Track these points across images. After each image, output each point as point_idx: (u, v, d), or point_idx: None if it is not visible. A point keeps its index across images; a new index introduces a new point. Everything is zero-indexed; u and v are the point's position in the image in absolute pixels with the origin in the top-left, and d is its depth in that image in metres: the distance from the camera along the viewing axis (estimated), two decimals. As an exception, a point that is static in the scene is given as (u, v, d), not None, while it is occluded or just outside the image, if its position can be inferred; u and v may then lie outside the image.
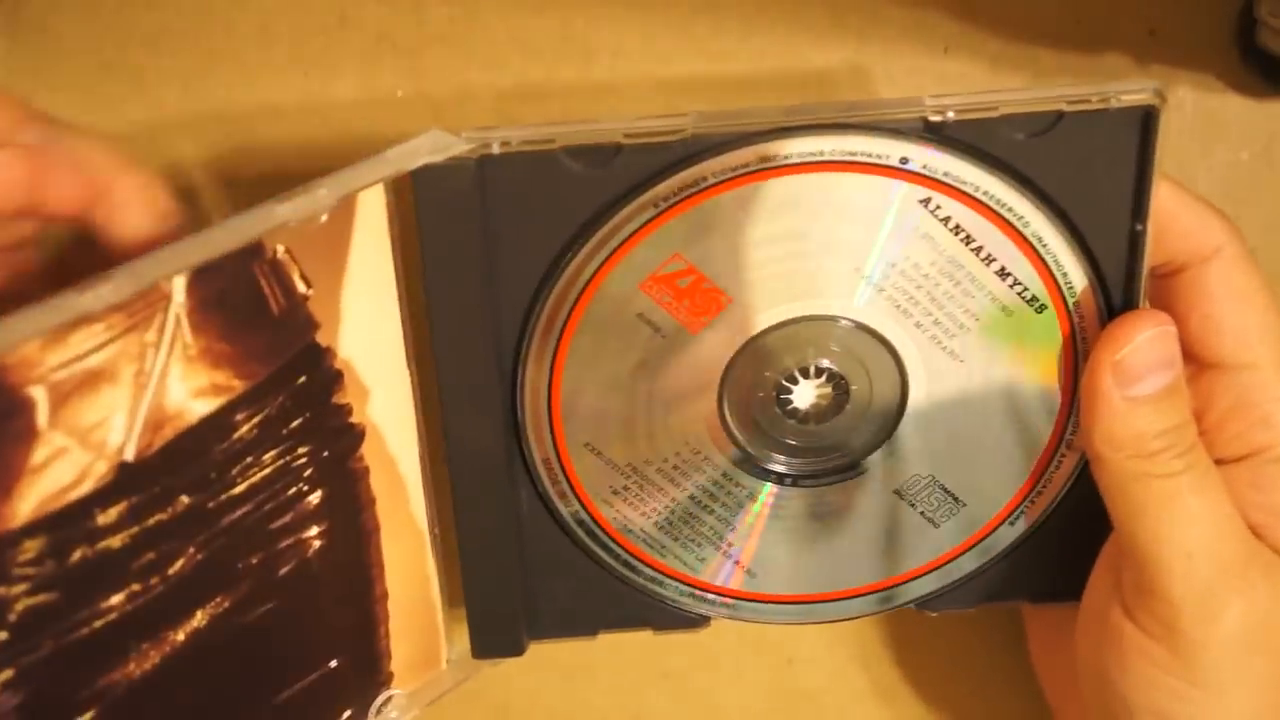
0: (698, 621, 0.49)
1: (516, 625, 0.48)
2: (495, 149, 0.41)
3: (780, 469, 0.47)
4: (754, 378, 0.45)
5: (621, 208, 0.42)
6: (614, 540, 0.48)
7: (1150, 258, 0.43)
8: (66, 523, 0.38)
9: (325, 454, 0.43)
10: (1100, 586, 0.45)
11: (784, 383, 0.45)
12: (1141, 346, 0.42)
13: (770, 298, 0.44)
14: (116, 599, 0.40)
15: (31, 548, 0.37)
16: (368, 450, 0.44)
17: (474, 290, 0.43)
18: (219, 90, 0.46)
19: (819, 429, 0.46)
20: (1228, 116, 0.49)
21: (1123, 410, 0.42)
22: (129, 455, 0.38)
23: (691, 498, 0.47)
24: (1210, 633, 0.42)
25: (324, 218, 0.40)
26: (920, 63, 0.49)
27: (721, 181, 0.41)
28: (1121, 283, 0.43)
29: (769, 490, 0.47)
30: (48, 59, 0.44)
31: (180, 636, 0.42)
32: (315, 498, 0.43)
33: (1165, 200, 0.42)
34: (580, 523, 0.47)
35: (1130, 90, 0.41)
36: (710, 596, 0.49)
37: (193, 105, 0.45)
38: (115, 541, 0.39)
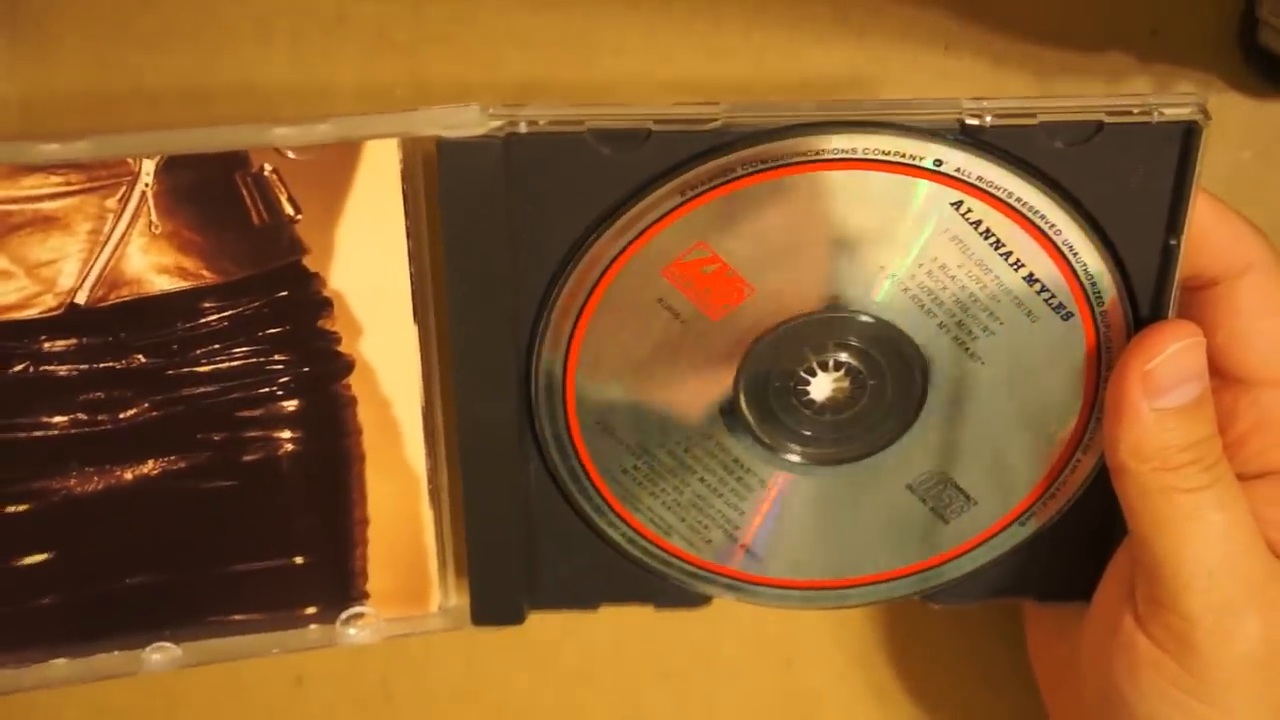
0: (699, 600, 0.47)
1: (517, 594, 0.47)
2: (522, 128, 0.39)
3: (792, 458, 0.45)
4: (771, 367, 0.43)
5: (648, 194, 0.40)
6: (620, 518, 0.46)
7: (1182, 272, 0.40)
8: (8, 335, 0.41)
9: (306, 369, 0.43)
10: (1111, 594, 0.43)
11: (802, 374, 0.43)
12: (1172, 358, 0.40)
13: (793, 290, 0.42)
14: (59, 419, 0.42)
15: (-30, 346, 0.41)
16: (356, 382, 0.44)
17: (493, 266, 0.41)
18: (218, 89, 0.45)
19: (834, 420, 0.44)
20: (1229, 116, 0.46)
21: (1150, 422, 0.40)
22: (80, 300, 0.41)
23: (701, 480, 0.45)
24: (1225, 651, 0.40)
25: (319, 152, 0.40)
26: (921, 61, 0.46)
27: (751, 173, 0.40)
28: (1151, 295, 0.41)
29: (779, 478, 0.45)
30: (47, 58, 0.44)
31: (128, 476, 0.44)
32: (291, 405, 0.44)
33: (1200, 214, 0.40)
34: (588, 499, 0.45)
35: (1173, 104, 0.39)
36: (714, 577, 0.47)
37: (192, 104, 0.45)
38: (61, 369, 0.42)
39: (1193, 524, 0.40)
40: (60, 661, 0.46)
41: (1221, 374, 0.41)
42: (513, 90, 0.45)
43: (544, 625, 0.51)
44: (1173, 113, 0.39)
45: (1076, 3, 0.46)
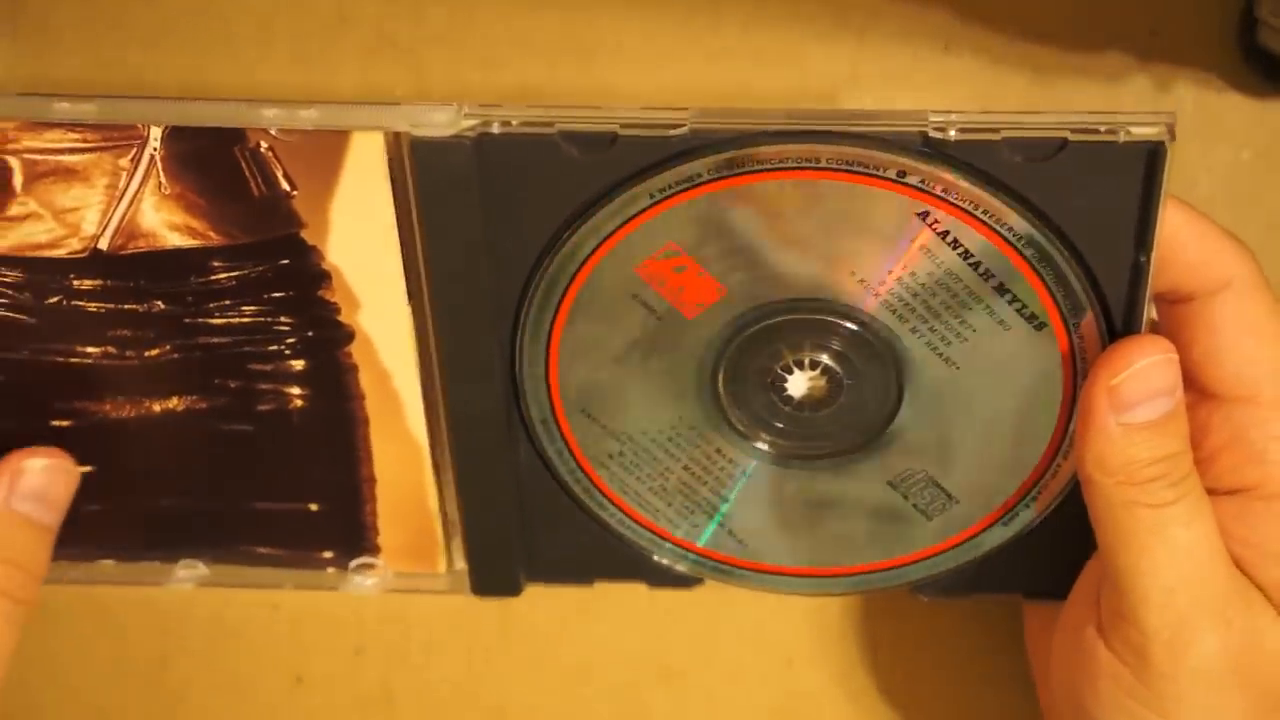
0: (690, 581, 0.48)
1: (514, 568, 0.49)
2: (495, 128, 0.41)
3: (774, 451, 0.45)
4: (749, 364, 0.44)
5: (615, 196, 0.41)
6: (609, 500, 0.47)
7: (1153, 287, 0.40)
8: (42, 270, 0.45)
9: (310, 334, 0.46)
10: (1079, 601, 0.43)
11: (779, 371, 0.43)
12: (1140, 373, 0.39)
13: (765, 292, 0.42)
14: (92, 350, 0.47)
15: (9, 275, 0.45)
16: (357, 351, 0.46)
17: (473, 259, 0.43)
18: (218, 89, 0.46)
19: (812, 416, 0.44)
20: (1228, 116, 0.46)
21: (1116, 435, 0.39)
22: (103, 245, 0.45)
23: (685, 468, 0.46)
24: (1180, 665, 0.40)
25: (308, 135, 0.42)
26: (920, 60, 0.45)
27: (717, 179, 0.40)
28: (1123, 308, 0.40)
29: (763, 470, 0.45)
30: (48, 58, 0.45)
31: (156, 408, 0.48)
32: (298, 364, 0.46)
33: (1176, 229, 0.39)
34: (577, 481, 0.47)
35: (1140, 122, 0.38)
36: (703, 560, 0.48)
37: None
38: (90, 306, 0.46)
39: (1154, 539, 0.39)
40: (108, 563, 0.50)
41: (1197, 389, 0.41)
42: (513, 90, 0.46)
43: (543, 624, 0.53)
44: (1140, 132, 0.37)
45: (1076, 3, 0.45)
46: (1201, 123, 0.45)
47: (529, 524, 0.48)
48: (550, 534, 0.48)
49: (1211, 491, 0.40)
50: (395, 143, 0.42)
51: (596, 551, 0.48)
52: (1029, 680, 0.49)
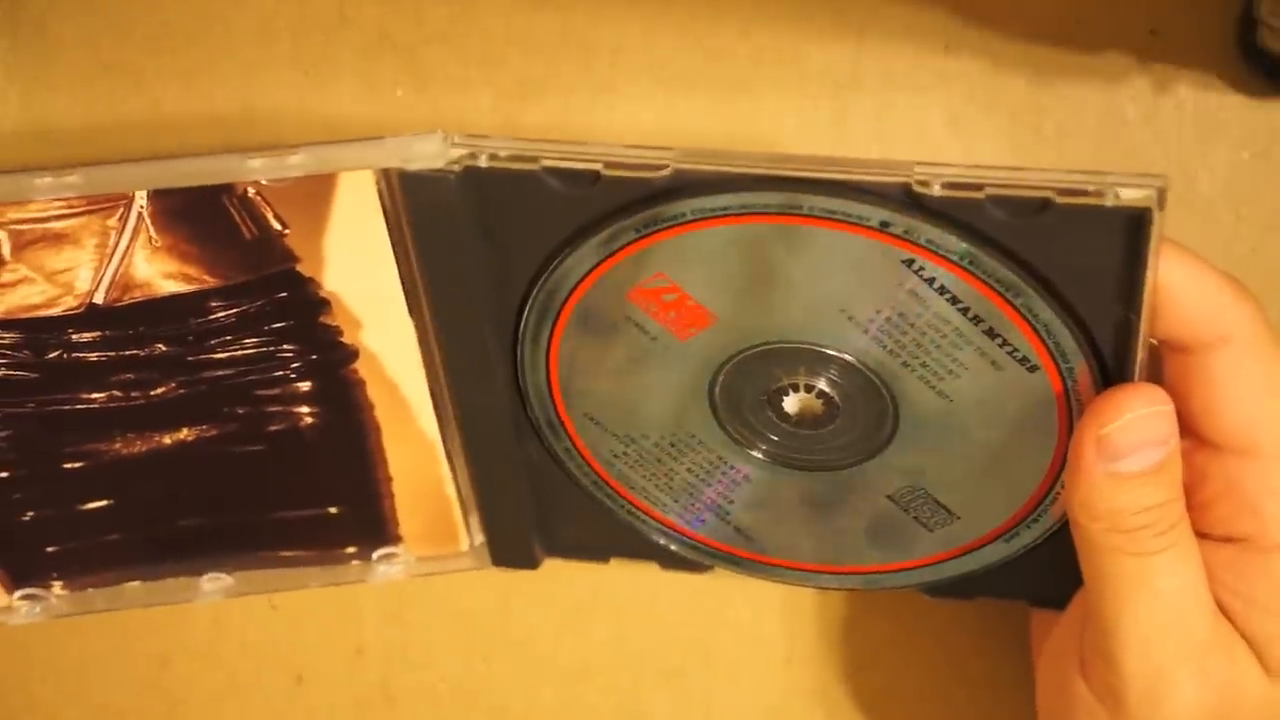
0: (702, 566, 0.49)
1: (530, 542, 0.50)
2: (483, 161, 0.40)
3: (772, 459, 0.45)
4: (744, 384, 0.43)
5: (599, 231, 0.40)
6: (618, 494, 0.48)
7: (1145, 340, 0.38)
8: (41, 328, 0.44)
9: (314, 357, 0.46)
10: (1066, 631, 0.43)
11: (773, 391, 0.43)
12: (1130, 424, 0.38)
13: (755, 323, 0.41)
14: (97, 396, 0.46)
15: (8, 337, 0.45)
16: (363, 367, 0.46)
17: (469, 281, 0.43)
18: (219, 89, 0.45)
19: (810, 433, 0.44)
20: (1228, 116, 0.45)
21: (1103, 484, 0.38)
22: (98, 300, 0.44)
23: (689, 470, 0.46)
24: (1156, 713, 0.39)
25: (296, 179, 0.42)
26: (920, 61, 0.45)
27: (701, 219, 0.39)
28: (1115, 357, 0.39)
29: (762, 475, 0.46)
30: (48, 59, 0.44)
31: (167, 440, 0.48)
32: (305, 385, 0.46)
33: (1173, 285, 0.37)
34: (585, 475, 0.47)
35: (1129, 185, 0.35)
36: (713, 551, 0.48)
37: (192, 104, 0.45)
38: (91, 356, 0.45)
39: (1137, 588, 0.38)
40: (134, 584, 0.51)
41: (1196, 436, 0.40)
42: (513, 90, 0.45)
43: (543, 624, 0.54)
44: (1129, 195, 0.35)
45: (1076, 3, 0.44)
46: (1201, 123, 0.45)
47: (543, 507, 0.49)
48: (564, 517, 0.49)
49: (1205, 537, 0.39)
50: (385, 174, 0.42)
51: (610, 534, 0.49)
52: (1028, 683, 0.48)
